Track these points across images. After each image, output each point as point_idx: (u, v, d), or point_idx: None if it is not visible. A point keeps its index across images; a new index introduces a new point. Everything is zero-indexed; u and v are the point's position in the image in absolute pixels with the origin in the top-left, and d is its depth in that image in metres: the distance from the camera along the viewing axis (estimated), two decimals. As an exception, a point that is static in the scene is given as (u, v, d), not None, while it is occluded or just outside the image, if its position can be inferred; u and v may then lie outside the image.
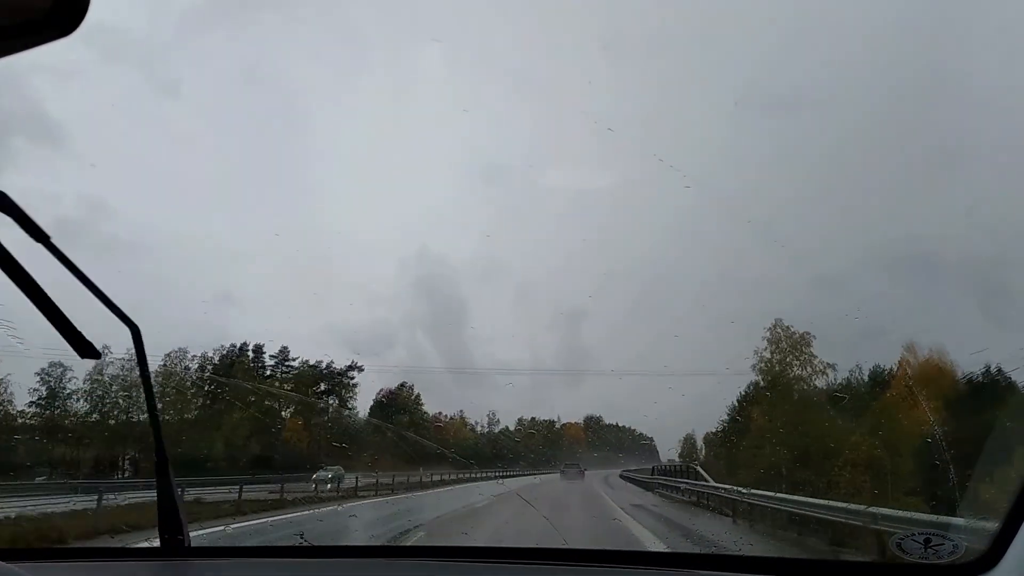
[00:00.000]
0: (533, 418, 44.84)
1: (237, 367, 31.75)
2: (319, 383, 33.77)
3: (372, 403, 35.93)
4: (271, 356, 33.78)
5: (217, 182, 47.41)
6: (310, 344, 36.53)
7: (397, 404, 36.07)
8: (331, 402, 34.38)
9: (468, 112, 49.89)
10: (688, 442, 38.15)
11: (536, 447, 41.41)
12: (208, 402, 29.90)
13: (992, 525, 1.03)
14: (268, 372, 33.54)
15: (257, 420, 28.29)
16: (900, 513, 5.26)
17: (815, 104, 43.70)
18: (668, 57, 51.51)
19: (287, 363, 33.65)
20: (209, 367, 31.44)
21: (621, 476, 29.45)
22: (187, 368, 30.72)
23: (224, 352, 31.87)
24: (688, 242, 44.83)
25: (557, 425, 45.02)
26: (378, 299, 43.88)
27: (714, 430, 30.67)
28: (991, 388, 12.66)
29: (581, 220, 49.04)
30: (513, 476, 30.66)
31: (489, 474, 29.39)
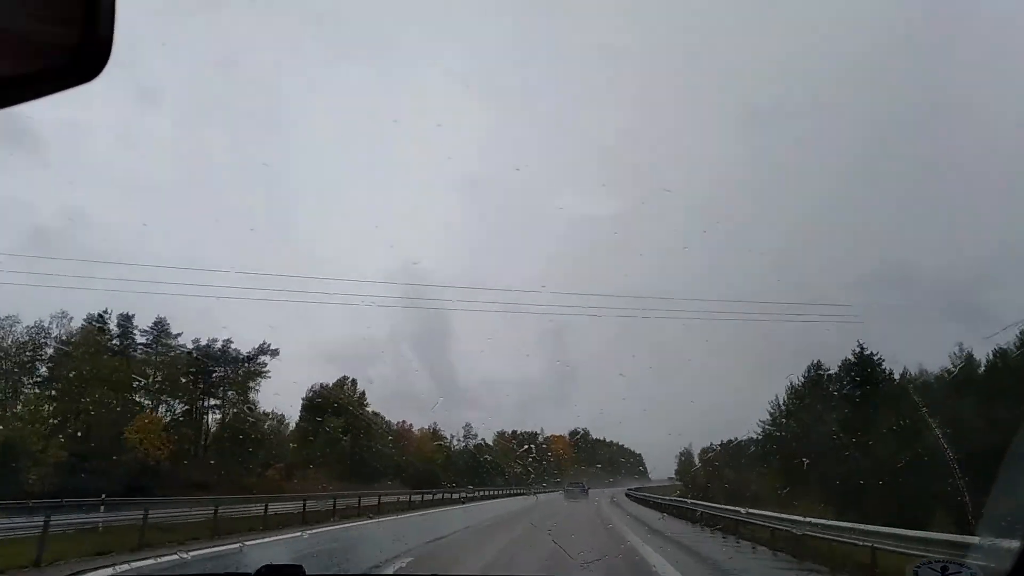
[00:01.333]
0: (515, 431, 47.49)
1: (86, 345, 29.23)
2: (211, 369, 31.98)
3: (302, 402, 35.12)
4: (142, 331, 31.59)
5: (197, 193, 54.44)
6: (293, 359, 41.23)
7: (333, 404, 35.43)
8: (228, 396, 32.83)
9: (460, 127, 62.52)
10: (685, 458, 41.91)
11: (517, 463, 44.14)
12: (32, 391, 27.34)
13: (1011, 545, 1.36)
14: (138, 353, 31.29)
15: (85, 418, 24.79)
16: (916, 534, 6.25)
17: (809, 124, 57.36)
18: (664, 78, 65.71)
19: (164, 342, 31.54)
20: (49, 343, 28.83)
21: (630, 496, 31.19)
22: (19, 344, 28.13)
23: (68, 324, 29.16)
24: (681, 261, 57.76)
25: (541, 438, 47.89)
26: (362, 314, 49.52)
27: (749, 437, 31.03)
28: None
29: (574, 237, 61.85)
30: (484, 499, 31.28)
31: (455, 495, 29.62)
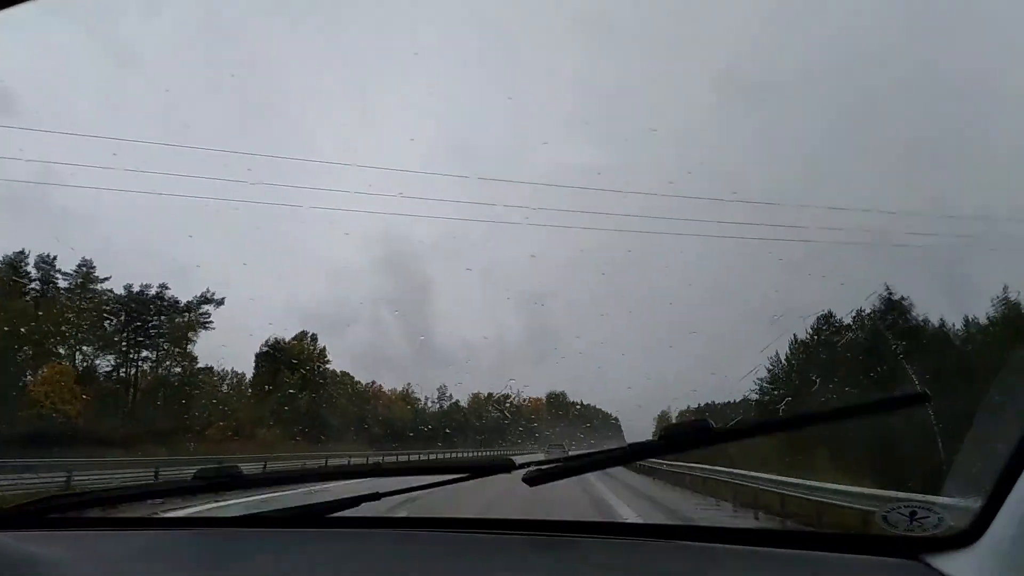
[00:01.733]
0: (490, 394, 49.48)
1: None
2: (145, 318, 31.04)
3: (255, 357, 34.76)
4: (64, 274, 29.98)
5: (172, 147, 51.88)
6: (268, 321, 42.05)
7: (290, 358, 35.24)
8: (164, 348, 32.16)
9: (440, 87, 60.95)
10: (663, 420, 44.57)
11: (489, 423, 46.12)
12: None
13: (977, 502, 1.41)
14: (62, 298, 29.84)
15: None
16: (888, 493, 6.82)
17: (793, 92, 55.96)
18: (649, 39, 64.17)
19: (88, 286, 30.19)
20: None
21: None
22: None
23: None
24: (663, 224, 57.61)
25: (516, 400, 50.18)
26: (340, 275, 51.93)
27: (745, 397, 31.37)
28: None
29: (553, 199, 63.02)
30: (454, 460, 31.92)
31: (423, 457, 30.49)
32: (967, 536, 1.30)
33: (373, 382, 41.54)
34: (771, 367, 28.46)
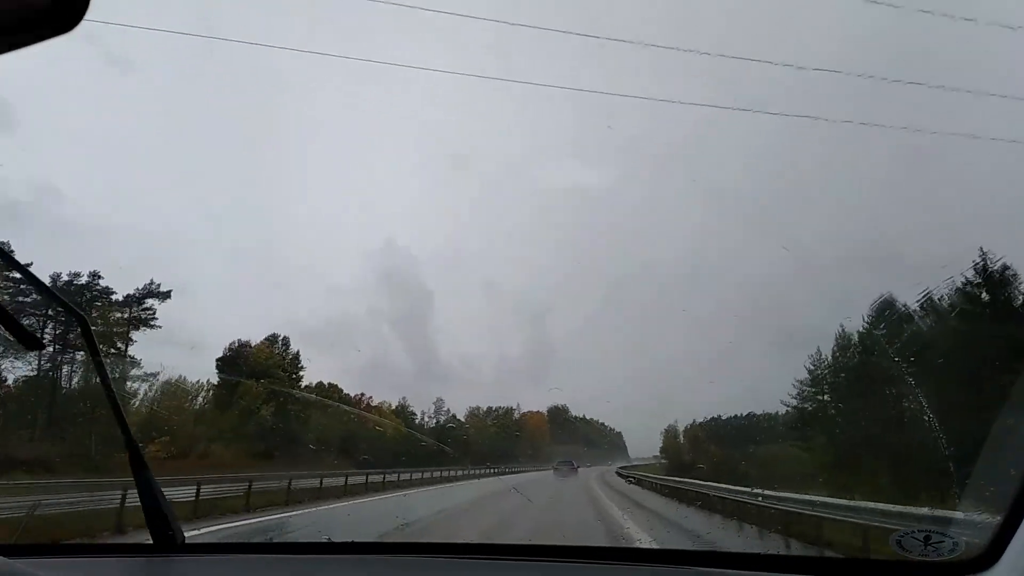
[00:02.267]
0: (489, 408, 49.75)
1: None
2: (49, 310, 29.37)
3: (216, 363, 34.63)
4: None
5: (172, 164, 57.43)
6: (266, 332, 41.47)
7: (257, 363, 34.55)
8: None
9: (441, 101, 71.64)
10: (670, 434, 45.22)
11: (489, 441, 45.94)
12: None
13: (992, 521, 1.55)
14: None
15: None
16: (899, 508, 7.17)
17: (792, 104, 65.56)
18: (649, 56, 74.80)
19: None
20: None
21: (624, 476, 33.79)
22: None
23: None
24: (660, 239, 65.74)
25: (517, 415, 50.52)
26: (340, 291, 56.69)
27: (786, 408, 28.04)
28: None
29: (552, 215, 73.99)
30: (456, 479, 30.71)
31: (397, 478, 29.01)
32: (983, 560, 1.41)
33: (362, 394, 41.21)
34: (812, 367, 27.19)
